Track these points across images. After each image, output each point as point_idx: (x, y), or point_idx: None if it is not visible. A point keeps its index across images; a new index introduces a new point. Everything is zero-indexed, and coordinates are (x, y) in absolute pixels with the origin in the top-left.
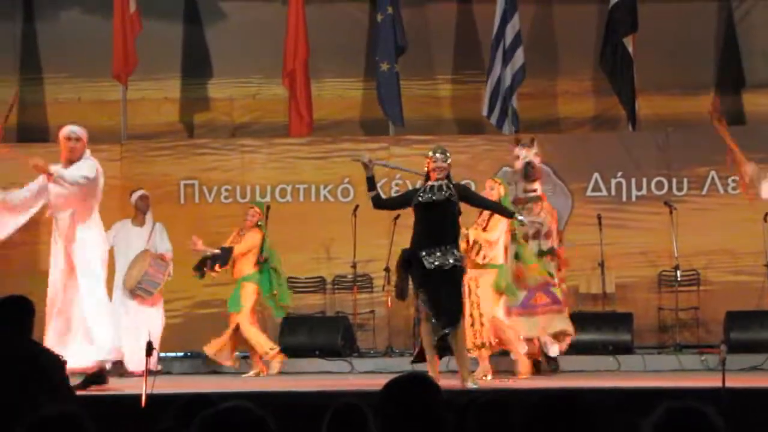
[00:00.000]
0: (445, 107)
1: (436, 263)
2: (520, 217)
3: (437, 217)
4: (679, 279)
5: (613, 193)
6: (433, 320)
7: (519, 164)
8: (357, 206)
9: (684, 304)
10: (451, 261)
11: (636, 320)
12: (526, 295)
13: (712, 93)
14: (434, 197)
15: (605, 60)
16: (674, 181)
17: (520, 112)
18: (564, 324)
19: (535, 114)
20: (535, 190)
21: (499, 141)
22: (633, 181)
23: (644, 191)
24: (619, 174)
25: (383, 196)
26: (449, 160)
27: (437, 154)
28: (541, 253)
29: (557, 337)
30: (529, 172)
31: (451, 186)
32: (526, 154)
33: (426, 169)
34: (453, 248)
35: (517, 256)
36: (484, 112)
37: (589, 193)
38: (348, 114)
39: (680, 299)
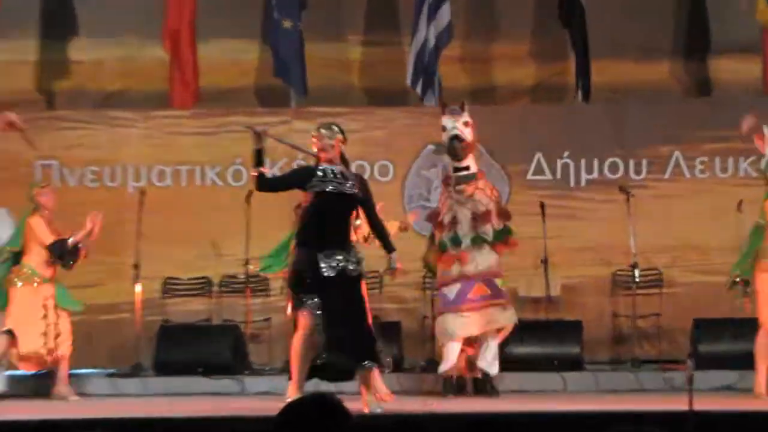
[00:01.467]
0: (356, 74)
1: (338, 268)
2: (393, 265)
3: (341, 212)
4: (637, 280)
5: (558, 176)
6: (323, 335)
7: (444, 138)
8: (251, 192)
9: (643, 310)
10: (352, 267)
11: (586, 330)
12: (460, 288)
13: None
14: (343, 189)
15: (563, 14)
16: (631, 162)
17: (449, 79)
18: (507, 320)
19: (465, 82)
20: (467, 168)
21: (423, 114)
22: (582, 162)
23: (596, 174)
24: (566, 154)
25: (269, 176)
26: (337, 137)
27: (322, 131)
28: (476, 240)
29: (499, 331)
30: (454, 149)
31: (356, 177)
32: (453, 125)
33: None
34: (353, 250)
35: (443, 246)
36: (408, 80)
37: (530, 176)
38: (241, 81)
39: (639, 304)
